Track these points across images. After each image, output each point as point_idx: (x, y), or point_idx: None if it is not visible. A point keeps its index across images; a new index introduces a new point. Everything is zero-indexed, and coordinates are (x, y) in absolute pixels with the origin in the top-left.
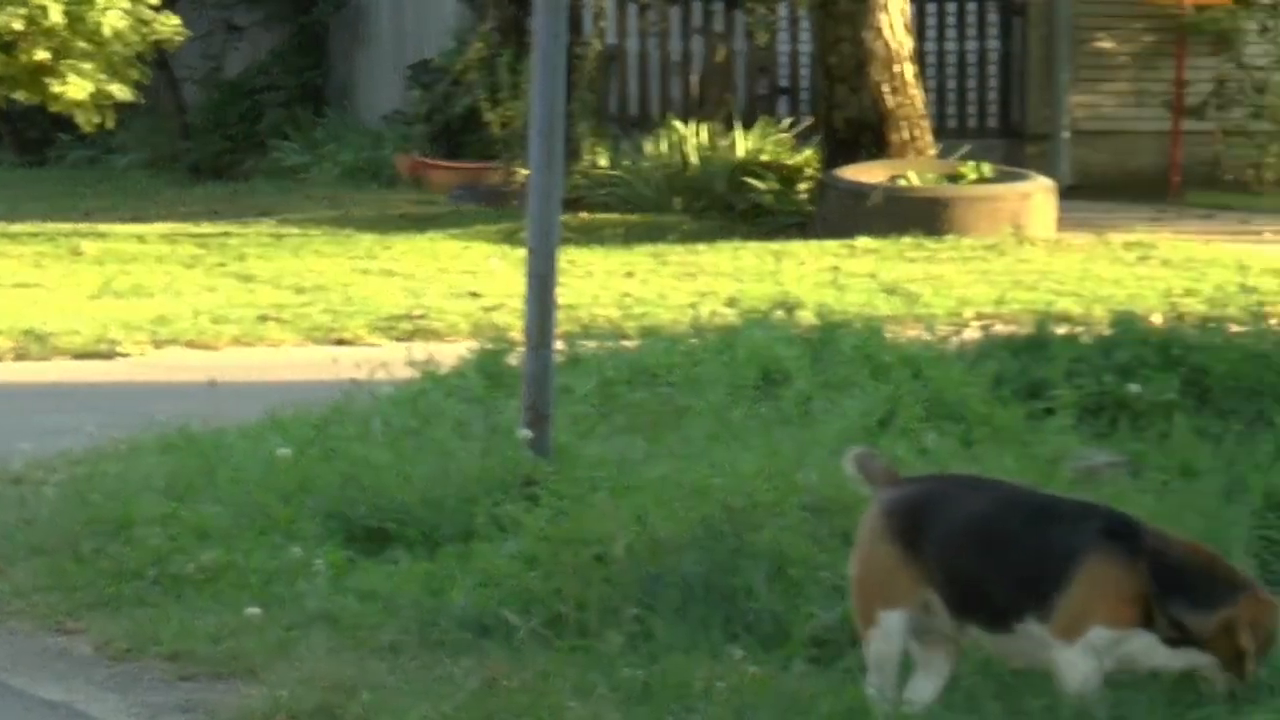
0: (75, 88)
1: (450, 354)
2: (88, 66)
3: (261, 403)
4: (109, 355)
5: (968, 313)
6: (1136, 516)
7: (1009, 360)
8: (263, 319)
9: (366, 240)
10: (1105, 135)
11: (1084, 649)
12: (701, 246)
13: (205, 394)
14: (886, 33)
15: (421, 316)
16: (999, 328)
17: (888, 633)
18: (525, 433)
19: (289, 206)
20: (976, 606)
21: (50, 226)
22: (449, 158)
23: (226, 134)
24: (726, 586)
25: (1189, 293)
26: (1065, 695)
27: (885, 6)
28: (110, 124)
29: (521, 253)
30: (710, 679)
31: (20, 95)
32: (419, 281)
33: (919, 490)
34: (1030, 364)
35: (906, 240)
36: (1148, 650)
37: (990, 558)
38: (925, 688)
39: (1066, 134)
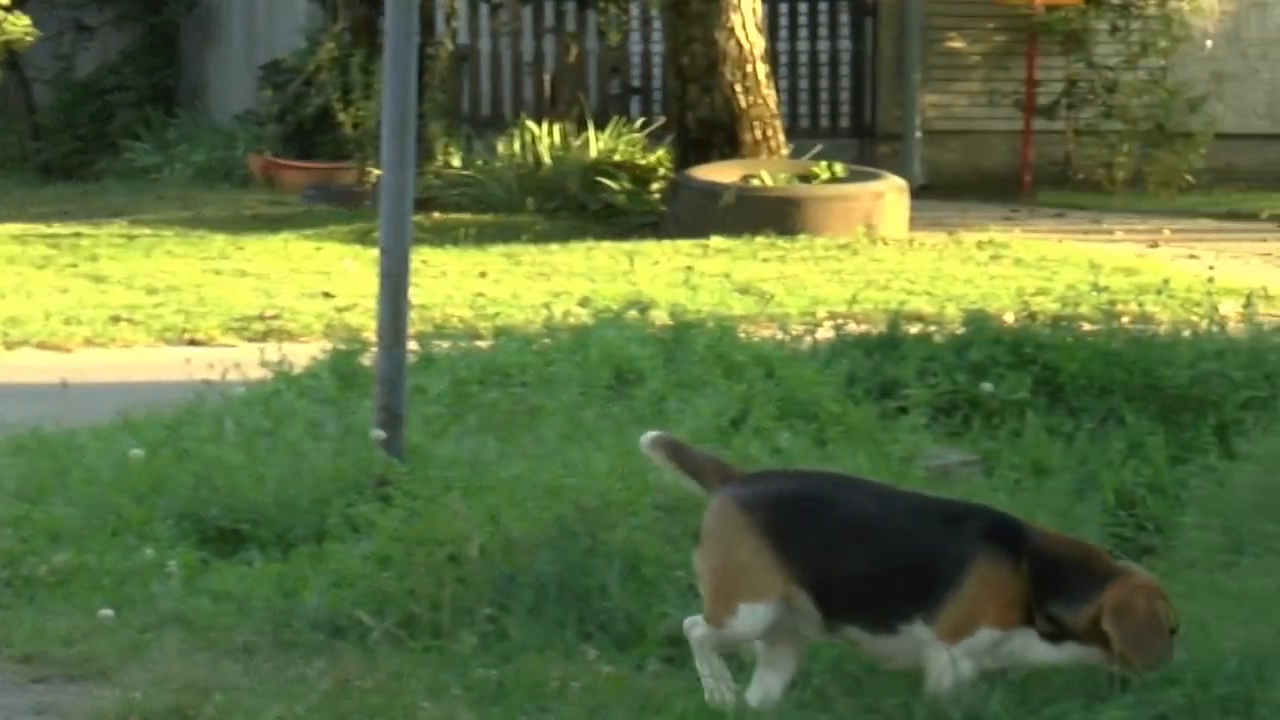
0: None
1: (304, 354)
2: None
3: (114, 404)
4: None
5: (821, 312)
6: (1015, 516)
7: (862, 359)
8: (115, 320)
9: (219, 241)
10: (957, 135)
11: (966, 650)
12: (555, 246)
13: (57, 395)
14: (739, 32)
15: (275, 317)
16: (852, 327)
17: (750, 623)
18: (378, 433)
19: (141, 207)
20: (858, 609)
21: None
22: (301, 158)
23: (77, 134)
24: (580, 586)
25: (1041, 292)
26: (934, 693)
27: (737, 6)
28: None
29: (375, 253)
30: (564, 679)
31: None
32: (272, 282)
33: (785, 488)
34: (883, 363)
35: (759, 240)
36: (1026, 646)
37: (875, 561)
38: (773, 684)
39: (918, 134)
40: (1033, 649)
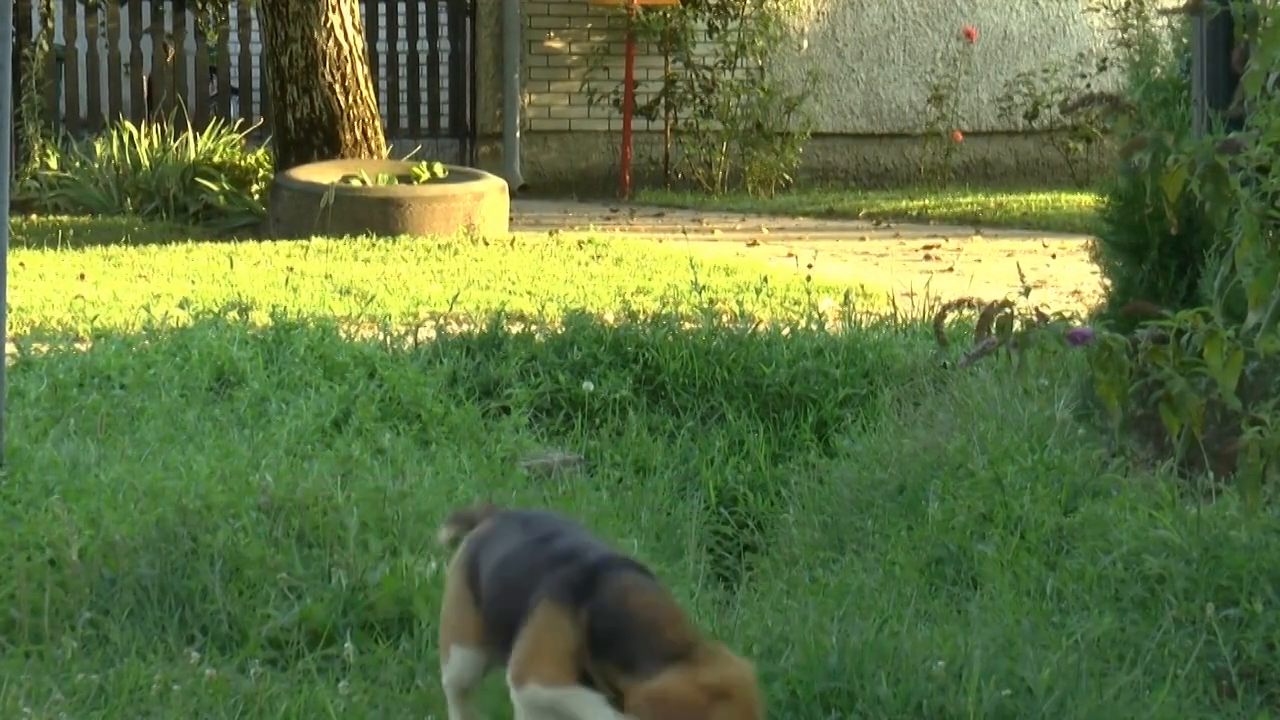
0: None
1: None
2: None
3: None
4: None
5: (422, 312)
6: (622, 560)
7: (464, 359)
8: None
9: None
10: (557, 135)
11: (527, 700)
12: (154, 248)
13: None
14: (338, 32)
15: None
16: (454, 327)
17: (453, 666)
18: None
19: None
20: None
21: None
22: None
23: None
24: (182, 589)
25: (641, 291)
26: None
27: (336, 6)
28: None
29: None
30: (166, 682)
31: None
32: None
33: (482, 528)
34: (485, 363)
35: (361, 240)
36: (594, 711)
37: (505, 603)
38: None
39: (518, 134)
40: (599, 714)
